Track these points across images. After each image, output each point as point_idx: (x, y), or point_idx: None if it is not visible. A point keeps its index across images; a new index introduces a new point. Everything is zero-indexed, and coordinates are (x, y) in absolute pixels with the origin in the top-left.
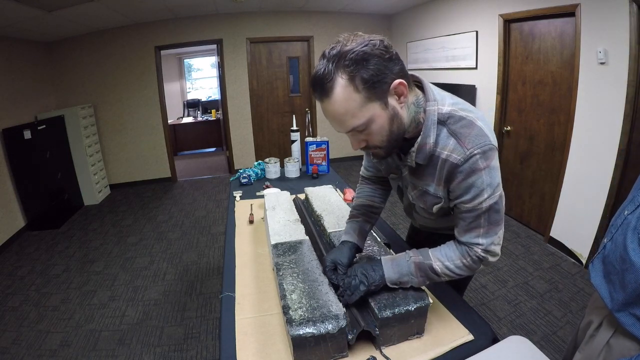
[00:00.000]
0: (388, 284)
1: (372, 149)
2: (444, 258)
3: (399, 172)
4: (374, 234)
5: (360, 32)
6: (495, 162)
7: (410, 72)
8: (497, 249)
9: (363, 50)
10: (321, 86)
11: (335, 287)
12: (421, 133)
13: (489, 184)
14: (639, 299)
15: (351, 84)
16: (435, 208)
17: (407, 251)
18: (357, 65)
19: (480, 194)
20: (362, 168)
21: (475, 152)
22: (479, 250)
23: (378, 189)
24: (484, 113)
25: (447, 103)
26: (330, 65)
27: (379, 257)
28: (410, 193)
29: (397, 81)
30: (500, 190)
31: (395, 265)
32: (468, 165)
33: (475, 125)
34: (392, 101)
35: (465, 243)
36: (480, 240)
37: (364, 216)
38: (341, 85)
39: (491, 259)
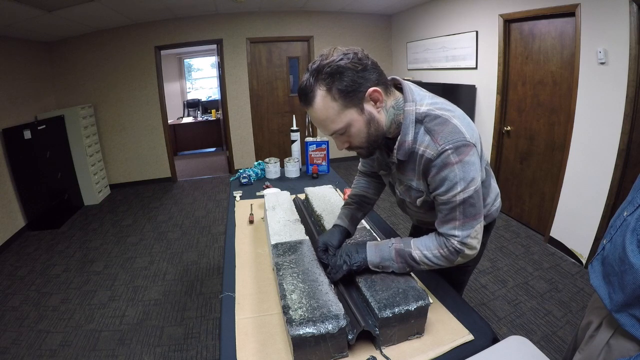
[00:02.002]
0: (370, 266)
1: (355, 149)
2: (423, 247)
3: (389, 169)
4: (374, 234)
5: (339, 47)
6: (470, 157)
7: (391, 76)
8: (474, 242)
9: (337, 64)
10: (305, 96)
11: (325, 266)
12: (400, 132)
13: (462, 178)
14: (638, 300)
15: (329, 94)
16: (419, 201)
17: (391, 238)
18: (332, 77)
19: (454, 187)
20: (359, 163)
21: (447, 147)
22: (455, 242)
23: (373, 182)
24: (463, 112)
25: (425, 103)
26: (311, 78)
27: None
28: (398, 188)
29: (371, 89)
30: (476, 185)
31: (378, 250)
32: (440, 160)
33: (449, 122)
34: (368, 107)
35: (443, 234)
36: (457, 232)
37: (357, 204)
38: (320, 95)
39: (467, 251)
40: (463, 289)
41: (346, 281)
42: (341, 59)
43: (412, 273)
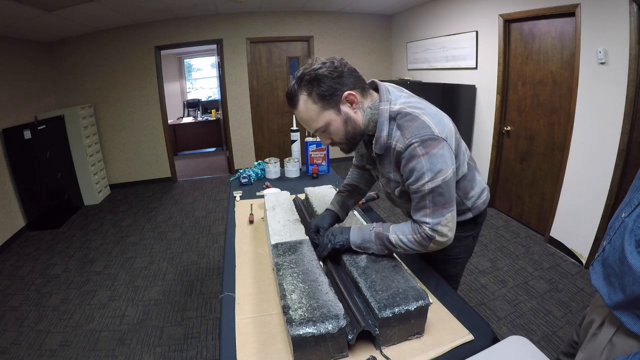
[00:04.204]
0: (353, 246)
1: (337, 145)
2: (399, 232)
3: (374, 164)
4: None
5: (319, 57)
6: (438, 150)
7: (371, 79)
8: (445, 230)
9: (316, 72)
10: (290, 100)
11: (315, 245)
12: (376, 128)
13: (429, 169)
14: (637, 301)
15: (309, 98)
16: (397, 191)
17: (374, 223)
18: (311, 84)
19: (421, 177)
20: (353, 158)
21: (414, 141)
22: (427, 229)
23: (364, 174)
24: (437, 110)
25: (399, 102)
26: (295, 85)
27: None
28: (381, 180)
29: (346, 92)
30: (444, 176)
31: (361, 232)
32: (408, 152)
33: (418, 119)
34: (345, 108)
35: (416, 221)
36: (428, 220)
37: (349, 193)
38: (303, 99)
39: (439, 238)
40: (458, 282)
41: (334, 262)
42: (320, 68)
43: (412, 273)
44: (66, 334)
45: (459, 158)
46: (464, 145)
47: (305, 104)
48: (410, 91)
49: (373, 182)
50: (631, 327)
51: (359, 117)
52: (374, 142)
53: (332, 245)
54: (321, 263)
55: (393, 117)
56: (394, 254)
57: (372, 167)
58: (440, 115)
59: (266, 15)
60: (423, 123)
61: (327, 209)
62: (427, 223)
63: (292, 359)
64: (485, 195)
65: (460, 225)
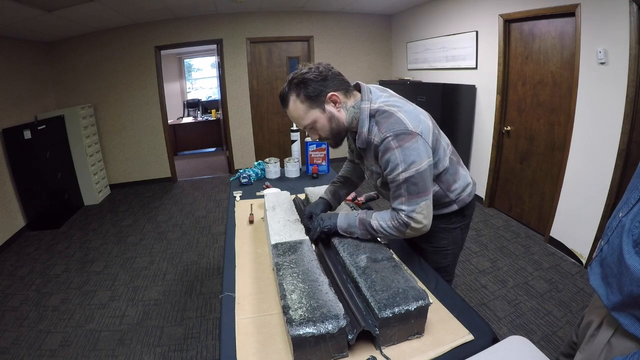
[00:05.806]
0: (339, 230)
1: (325, 140)
2: (380, 218)
3: (361, 158)
4: None
5: (307, 62)
6: (412, 144)
7: (356, 81)
8: (420, 217)
9: (303, 76)
10: (282, 100)
11: (308, 229)
12: (358, 125)
13: (403, 160)
14: (635, 301)
15: (298, 98)
16: (379, 182)
17: (359, 210)
18: (299, 86)
19: (395, 167)
20: (347, 153)
21: (388, 135)
22: (403, 215)
23: (357, 168)
24: (415, 107)
25: (379, 101)
26: (287, 87)
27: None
28: (366, 173)
29: (330, 94)
30: (418, 167)
31: (347, 218)
32: (383, 145)
33: (394, 115)
34: (329, 107)
35: (394, 208)
36: (404, 207)
37: (342, 183)
38: (292, 100)
39: (414, 224)
40: (451, 275)
41: (326, 245)
42: (307, 72)
43: (412, 273)
44: (66, 334)
45: (438, 152)
46: (444, 141)
47: (295, 104)
48: (411, 91)
49: (364, 176)
50: (629, 328)
51: (343, 115)
52: (356, 137)
53: (321, 228)
54: (313, 246)
55: (372, 115)
56: (394, 254)
57: (360, 162)
58: (416, 113)
59: (266, 15)
60: (398, 119)
61: (320, 197)
62: (403, 210)
63: (292, 359)
64: (470, 189)
65: (447, 217)
